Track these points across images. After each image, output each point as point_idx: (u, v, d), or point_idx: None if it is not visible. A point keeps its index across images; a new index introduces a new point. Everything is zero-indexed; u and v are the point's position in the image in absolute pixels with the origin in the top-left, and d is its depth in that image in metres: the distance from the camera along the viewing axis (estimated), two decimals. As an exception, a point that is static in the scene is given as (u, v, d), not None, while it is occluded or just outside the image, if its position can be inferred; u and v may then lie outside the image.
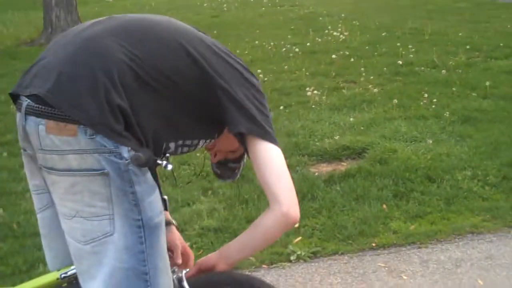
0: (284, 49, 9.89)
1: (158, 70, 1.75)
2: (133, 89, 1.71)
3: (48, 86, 1.68)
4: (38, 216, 1.98)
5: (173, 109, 1.81)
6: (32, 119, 1.70)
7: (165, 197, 1.99)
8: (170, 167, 1.86)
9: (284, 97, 6.95)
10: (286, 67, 8.49)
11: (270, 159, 1.87)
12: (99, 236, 1.71)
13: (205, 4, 18.24)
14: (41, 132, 1.69)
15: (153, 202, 1.78)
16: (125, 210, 1.72)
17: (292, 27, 12.54)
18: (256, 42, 10.70)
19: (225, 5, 17.11)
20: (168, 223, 2.08)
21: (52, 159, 1.70)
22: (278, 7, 16.84)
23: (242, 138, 1.88)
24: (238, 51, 9.85)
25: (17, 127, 1.79)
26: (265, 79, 7.69)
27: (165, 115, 1.80)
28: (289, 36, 11.25)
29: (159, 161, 1.84)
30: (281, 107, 6.45)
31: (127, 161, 1.70)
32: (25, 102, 1.72)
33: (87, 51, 1.73)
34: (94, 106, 1.65)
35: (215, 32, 11.87)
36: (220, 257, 2.00)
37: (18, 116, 1.77)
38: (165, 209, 1.88)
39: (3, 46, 12.65)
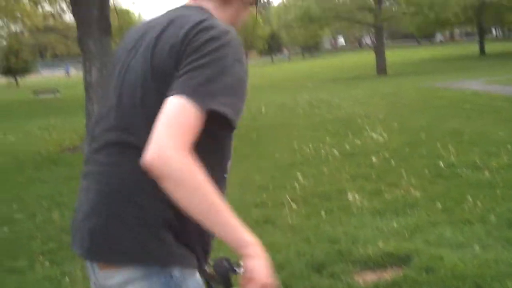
0: (323, 151, 9.95)
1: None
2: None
3: (87, 246, 1.79)
4: None
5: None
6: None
7: None
8: None
9: (325, 202, 6.90)
10: (325, 170, 8.50)
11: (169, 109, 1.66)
12: None
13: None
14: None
15: None
16: None
17: (329, 129, 12.66)
18: (295, 145, 10.78)
19: (263, 107, 17.39)
20: None
21: None
22: (316, 109, 17.07)
23: None
24: (277, 155, 9.94)
25: None
26: (305, 183, 7.69)
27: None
28: (327, 138, 11.33)
29: (236, 269, 1.80)
30: (322, 213, 6.40)
31: (177, 279, 1.72)
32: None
33: (105, 196, 1.78)
34: (134, 244, 1.72)
35: (254, 135, 12.04)
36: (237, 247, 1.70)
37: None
38: None
39: (46, 153, 12.96)
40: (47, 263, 5.58)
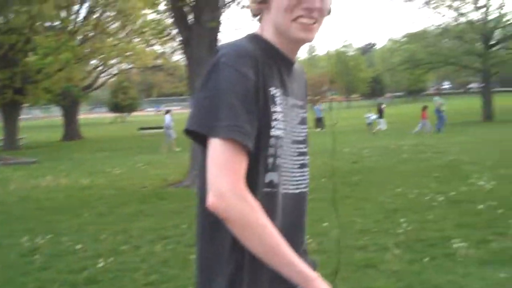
0: (427, 197, 9.72)
1: None
2: None
3: None
4: None
5: None
6: None
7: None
8: None
9: (428, 249, 6.71)
10: (430, 216, 8.29)
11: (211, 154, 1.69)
12: None
13: (346, 149, 18.47)
14: None
15: None
16: None
17: (435, 175, 12.37)
18: (399, 189, 10.59)
19: (366, 150, 17.24)
20: None
21: None
22: (421, 154, 16.74)
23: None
24: (380, 199, 9.80)
25: None
26: (409, 228, 7.52)
27: None
28: (432, 184, 11.08)
29: None
30: (426, 259, 6.22)
31: None
32: None
33: None
34: None
35: (356, 178, 11.91)
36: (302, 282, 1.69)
37: None
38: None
39: (151, 187, 13.31)
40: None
